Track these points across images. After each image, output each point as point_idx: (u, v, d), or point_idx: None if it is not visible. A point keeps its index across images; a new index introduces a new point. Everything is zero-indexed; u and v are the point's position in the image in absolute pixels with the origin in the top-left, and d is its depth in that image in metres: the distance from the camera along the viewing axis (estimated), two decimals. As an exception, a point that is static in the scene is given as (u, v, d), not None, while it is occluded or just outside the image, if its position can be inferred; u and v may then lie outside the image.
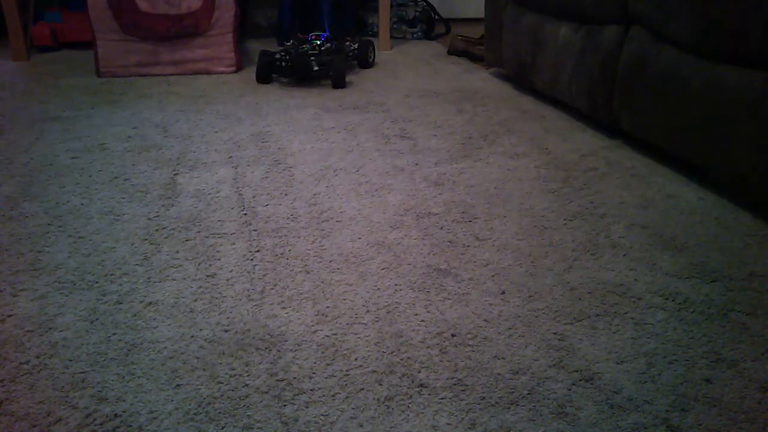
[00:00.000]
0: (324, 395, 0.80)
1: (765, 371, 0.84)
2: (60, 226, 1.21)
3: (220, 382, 0.82)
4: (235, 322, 0.94)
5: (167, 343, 0.89)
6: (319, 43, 2.29)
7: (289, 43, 2.32)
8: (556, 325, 0.93)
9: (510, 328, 0.92)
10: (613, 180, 1.42)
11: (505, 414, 0.77)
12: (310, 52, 2.23)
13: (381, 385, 0.81)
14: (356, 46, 2.45)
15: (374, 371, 0.84)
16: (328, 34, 2.38)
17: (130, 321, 0.94)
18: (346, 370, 0.84)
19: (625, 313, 0.96)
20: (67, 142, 1.65)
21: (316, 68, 2.19)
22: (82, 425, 0.75)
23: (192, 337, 0.90)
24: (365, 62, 2.48)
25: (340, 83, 2.19)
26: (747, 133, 1.22)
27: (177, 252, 1.13)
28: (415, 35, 3.13)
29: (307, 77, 2.24)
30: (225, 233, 1.19)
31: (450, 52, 2.74)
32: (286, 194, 1.36)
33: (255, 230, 1.20)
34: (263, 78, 2.25)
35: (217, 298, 0.99)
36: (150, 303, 0.98)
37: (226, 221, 1.24)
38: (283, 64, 2.21)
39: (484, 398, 0.79)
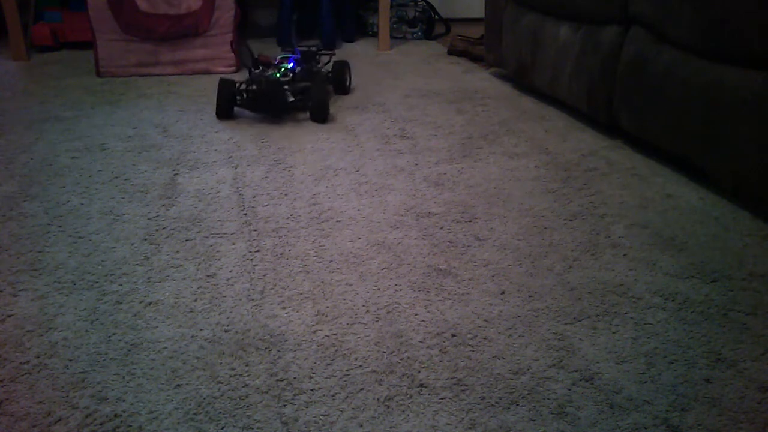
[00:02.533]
0: (324, 395, 0.80)
1: (765, 371, 0.84)
2: (60, 226, 1.21)
3: (220, 382, 0.82)
4: (235, 322, 0.94)
5: (167, 343, 0.89)
6: (290, 66, 1.89)
7: (256, 70, 1.86)
8: (556, 325, 0.93)
9: (510, 328, 0.92)
10: (613, 180, 1.42)
11: (505, 414, 0.77)
12: (282, 79, 1.82)
13: (381, 385, 0.81)
14: (330, 69, 2.08)
15: (374, 371, 0.84)
16: (298, 55, 1.96)
17: (130, 321, 0.94)
18: (346, 370, 0.84)
19: (625, 313, 0.96)
20: (67, 142, 1.65)
21: (291, 99, 1.81)
22: (82, 425, 0.75)
23: (192, 337, 0.90)
24: (342, 87, 2.07)
25: (322, 116, 1.81)
26: (747, 133, 1.22)
27: (177, 252, 1.13)
28: (415, 35, 3.13)
29: (281, 110, 1.83)
30: (225, 233, 1.19)
31: (450, 52, 2.74)
32: (286, 194, 1.36)
33: (255, 230, 1.20)
34: (224, 113, 1.84)
35: (217, 298, 0.99)
36: (150, 303, 0.98)
37: (226, 221, 1.24)
38: (250, 96, 1.81)
39: (484, 398, 0.79)
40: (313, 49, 2.07)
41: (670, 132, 1.44)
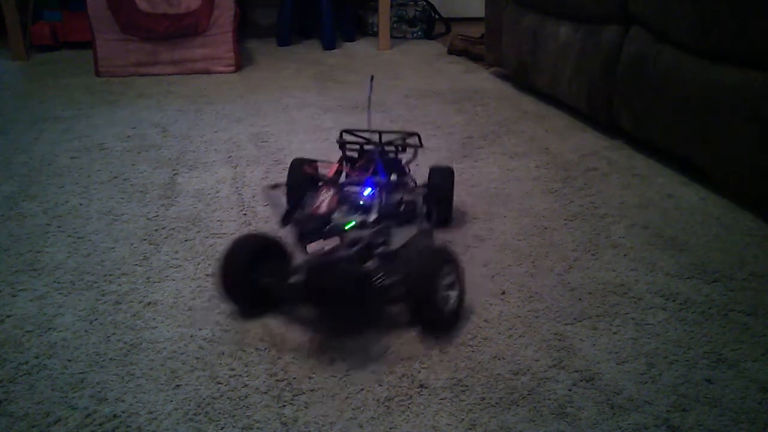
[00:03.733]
0: (324, 395, 0.80)
1: (766, 371, 0.84)
2: (59, 226, 1.21)
3: (219, 383, 0.82)
4: (234, 322, 0.93)
5: (166, 343, 0.89)
6: (367, 198, 0.97)
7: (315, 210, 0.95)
8: (556, 325, 0.93)
9: (510, 328, 0.92)
10: (614, 180, 1.42)
11: (505, 414, 0.77)
12: (364, 249, 0.89)
13: (381, 385, 0.81)
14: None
15: (374, 371, 0.84)
16: (387, 181, 1.04)
17: (130, 321, 0.94)
18: (346, 370, 0.84)
19: (626, 313, 0.96)
20: (66, 141, 1.65)
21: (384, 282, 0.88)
22: (82, 425, 0.75)
23: (191, 337, 0.90)
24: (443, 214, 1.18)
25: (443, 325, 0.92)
26: (747, 133, 1.22)
27: (176, 252, 1.12)
28: (415, 35, 3.13)
29: (372, 309, 0.94)
30: (225, 233, 1.19)
31: (450, 52, 2.74)
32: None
33: (255, 230, 1.20)
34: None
35: (216, 297, 0.99)
36: (149, 303, 0.98)
37: (226, 221, 1.23)
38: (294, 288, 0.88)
39: (484, 398, 0.79)
40: (396, 143, 1.14)
41: (670, 132, 1.44)
